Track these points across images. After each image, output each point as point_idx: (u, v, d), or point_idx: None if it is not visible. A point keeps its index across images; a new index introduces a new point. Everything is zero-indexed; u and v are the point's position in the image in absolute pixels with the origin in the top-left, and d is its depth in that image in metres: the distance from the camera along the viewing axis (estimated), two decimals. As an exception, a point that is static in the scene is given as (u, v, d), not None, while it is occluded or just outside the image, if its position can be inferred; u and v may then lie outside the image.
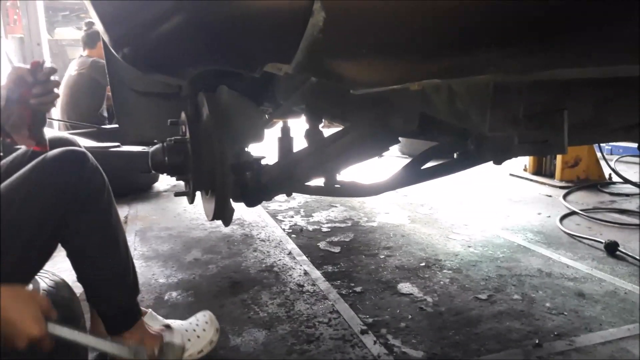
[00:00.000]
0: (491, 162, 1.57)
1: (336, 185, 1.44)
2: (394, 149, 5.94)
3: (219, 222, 3.21)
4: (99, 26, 0.78)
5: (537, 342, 1.70)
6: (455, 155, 1.56)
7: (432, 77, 0.68)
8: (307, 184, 1.46)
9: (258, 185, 1.38)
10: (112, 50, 0.74)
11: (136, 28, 0.68)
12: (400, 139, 1.52)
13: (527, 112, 0.84)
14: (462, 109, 0.85)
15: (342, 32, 0.62)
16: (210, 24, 0.64)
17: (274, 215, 3.43)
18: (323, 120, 1.58)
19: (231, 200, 1.41)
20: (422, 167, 1.51)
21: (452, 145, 1.39)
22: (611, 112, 1.00)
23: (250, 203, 1.43)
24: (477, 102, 0.82)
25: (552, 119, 0.84)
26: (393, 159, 5.80)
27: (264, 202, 1.52)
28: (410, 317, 1.91)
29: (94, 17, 0.78)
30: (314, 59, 0.65)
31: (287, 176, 1.35)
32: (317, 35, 0.62)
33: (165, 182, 4.42)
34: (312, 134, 1.44)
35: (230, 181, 1.31)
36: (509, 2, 0.58)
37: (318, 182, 1.50)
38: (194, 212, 3.46)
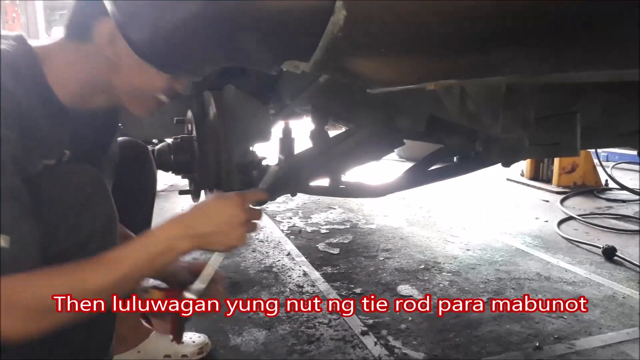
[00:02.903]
0: (490, 167, 1.59)
1: (341, 186, 1.44)
2: (392, 153, 5.95)
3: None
4: (120, 23, 0.77)
5: (537, 345, 1.71)
6: (455, 159, 1.58)
7: (450, 77, 0.68)
8: (311, 184, 1.46)
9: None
10: (133, 51, 0.74)
11: (159, 28, 0.68)
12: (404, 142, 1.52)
13: (538, 115, 0.85)
14: (474, 111, 0.85)
15: (362, 30, 0.62)
16: (231, 22, 0.64)
17: (272, 216, 3.42)
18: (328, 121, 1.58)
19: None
20: (429, 169, 1.51)
21: (458, 147, 1.39)
22: (619, 117, 1.00)
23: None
24: (489, 104, 0.83)
25: (563, 121, 0.84)
26: (391, 163, 5.81)
27: (268, 201, 1.52)
28: (410, 318, 1.91)
29: (115, 17, 0.78)
30: (333, 57, 0.65)
31: (293, 176, 1.35)
32: (337, 34, 0.62)
33: (162, 181, 4.41)
34: (318, 135, 1.45)
35: (237, 180, 1.31)
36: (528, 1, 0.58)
37: (322, 182, 1.50)
38: (193, 212, 3.44)
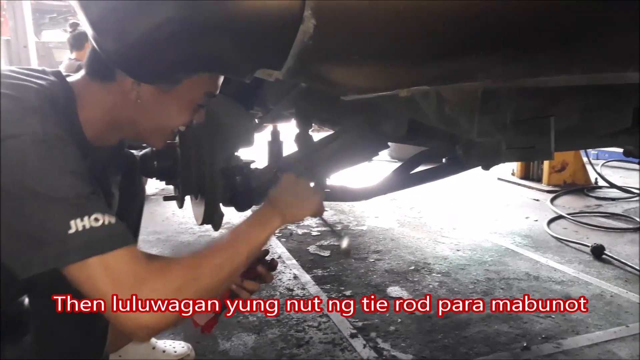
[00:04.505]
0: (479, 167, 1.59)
1: (326, 190, 1.44)
2: (384, 154, 5.96)
3: (208, 227, 3.20)
4: (91, 35, 0.77)
5: (524, 345, 1.72)
6: (443, 160, 1.58)
7: (421, 83, 0.68)
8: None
9: (248, 190, 1.38)
10: (105, 58, 0.74)
11: (131, 37, 0.68)
12: (390, 143, 1.52)
13: (514, 119, 0.85)
14: (451, 115, 0.85)
15: (332, 38, 0.62)
16: (202, 30, 0.64)
17: (263, 219, 3.42)
18: (313, 124, 1.58)
19: (221, 204, 1.41)
20: (412, 172, 1.52)
21: (440, 151, 1.40)
22: (597, 118, 1.01)
23: (240, 207, 1.43)
24: (465, 109, 0.83)
25: (539, 125, 0.85)
26: (383, 164, 5.82)
27: (253, 206, 1.52)
28: (399, 320, 1.92)
29: (85, 26, 0.78)
30: (304, 65, 0.65)
31: (277, 180, 1.35)
32: (307, 42, 0.62)
33: (153, 186, 4.39)
34: (302, 138, 1.45)
35: (220, 185, 1.31)
36: (498, 9, 0.59)
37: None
38: (183, 216, 3.44)
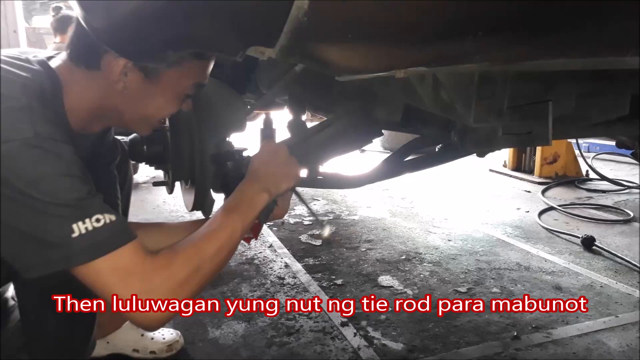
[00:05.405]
0: (473, 156, 1.58)
1: (318, 177, 1.42)
2: (376, 144, 5.95)
3: (199, 214, 3.18)
4: (79, 14, 0.75)
5: (515, 334, 1.72)
6: (437, 148, 1.57)
7: (418, 64, 0.67)
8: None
9: (239, 176, 1.35)
10: (94, 36, 0.72)
11: (119, 14, 0.65)
12: (383, 133, 1.51)
13: (511, 104, 0.84)
14: (447, 100, 0.84)
15: (327, 15, 0.60)
16: (192, 5, 0.62)
17: (254, 207, 3.40)
18: (306, 112, 1.56)
19: (211, 190, 1.39)
20: (405, 160, 1.50)
21: (435, 138, 1.38)
22: (593, 106, 1.00)
23: (231, 194, 1.40)
24: (462, 93, 0.82)
25: (536, 110, 0.84)
26: (375, 154, 5.81)
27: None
28: (390, 309, 1.91)
29: (74, 5, 0.75)
30: (298, 43, 0.63)
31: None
32: (301, 18, 0.60)
33: (144, 173, 4.36)
34: (295, 125, 1.42)
35: (211, 171, 1.29)
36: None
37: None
38: (174, 204, 3.41)
